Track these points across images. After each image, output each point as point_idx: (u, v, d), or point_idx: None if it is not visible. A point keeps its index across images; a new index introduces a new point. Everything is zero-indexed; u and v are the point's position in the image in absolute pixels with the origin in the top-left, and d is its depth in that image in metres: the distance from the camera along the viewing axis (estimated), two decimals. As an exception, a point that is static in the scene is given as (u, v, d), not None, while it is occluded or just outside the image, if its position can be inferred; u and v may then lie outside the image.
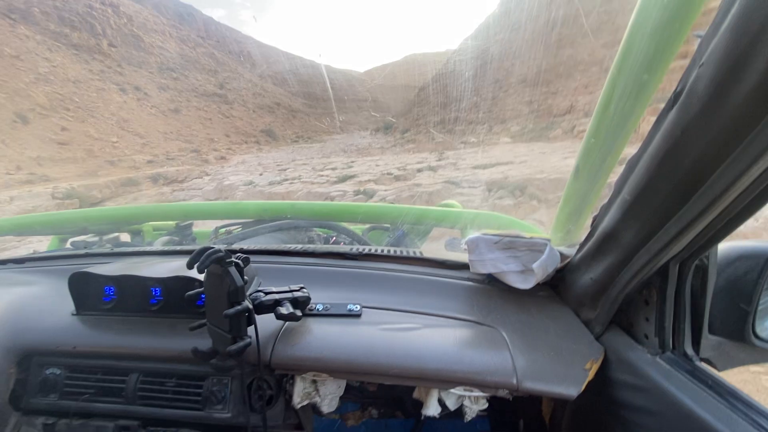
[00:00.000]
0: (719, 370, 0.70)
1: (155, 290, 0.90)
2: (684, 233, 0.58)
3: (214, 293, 0.74)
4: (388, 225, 1.72)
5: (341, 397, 1.15)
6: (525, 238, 0.94)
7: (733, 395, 0.59)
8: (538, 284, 0.98)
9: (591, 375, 0.76)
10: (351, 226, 1.65)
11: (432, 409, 0.86)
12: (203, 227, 1.78)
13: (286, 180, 15.77)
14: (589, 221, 0.81)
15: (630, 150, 0.64)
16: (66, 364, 0.85)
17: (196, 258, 0.70)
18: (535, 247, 0.92)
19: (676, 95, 0.49)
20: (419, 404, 0.95)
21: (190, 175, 17.66)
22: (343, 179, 15.14)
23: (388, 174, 15.50)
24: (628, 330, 0.80)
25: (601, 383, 0.78)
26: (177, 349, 0.82)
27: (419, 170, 16.07)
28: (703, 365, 0.68)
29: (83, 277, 0.89)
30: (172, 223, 1.74)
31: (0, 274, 1.11)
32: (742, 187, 0.48)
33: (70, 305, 0.91)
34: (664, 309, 0.70)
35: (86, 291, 0.90)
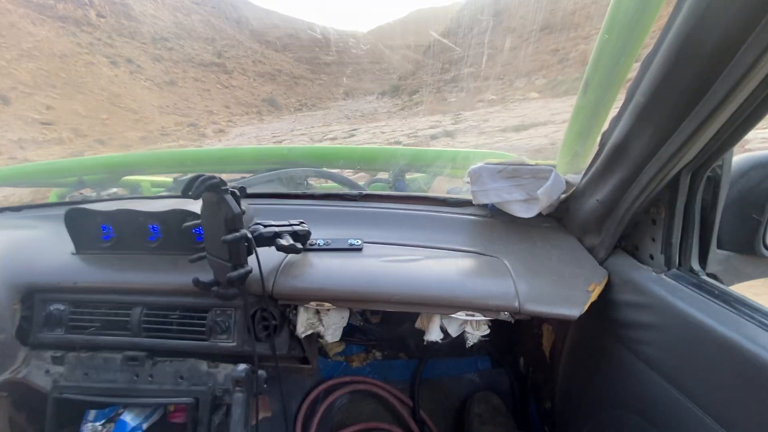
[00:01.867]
0: (727, 286, 0.69)
1: (153, 227, 0.92)
2: (696, 137, 0.57)
3: (212, 222, 0.75)
4: (389, 179, 1.70)
5: (346, 340, 1.38)
6: (529, 165, 0.92)
7: (740, 302, 0.60)
8: (541, 216, 0.99)
9: (594, 296, 0.77)
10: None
11: (434, 335, 0.87)
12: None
13: (280, 154, 14.12)
14: (598, 142, 0.79)
15: (645, 52, 0.60)
16: (69, 299, 0.88)
17: (189, 185, 0.70)
18: (540, 174, 0.91)
19: None
20: (422, 345, 0.99)
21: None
22: (341, 151, 13.17)
23: (395, 143, 13.15)
24: (633, 253, 0.81)
25: (604, 305, 0.80)
26: (179, 282, 0.85)
27: (433, 137, 13.65)
28: (710, 279, 0.69)
29: (79, 213, 0.91)
30: (169, 179, 1.73)
31: (3, 220, 1.14)
32: (758, 78, 0.48)
33: (69, 246, 0.93)
34: (672, 224, 0.70)
35: (84, 229, 0.92)
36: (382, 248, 0.94)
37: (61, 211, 0.96)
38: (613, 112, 0.75)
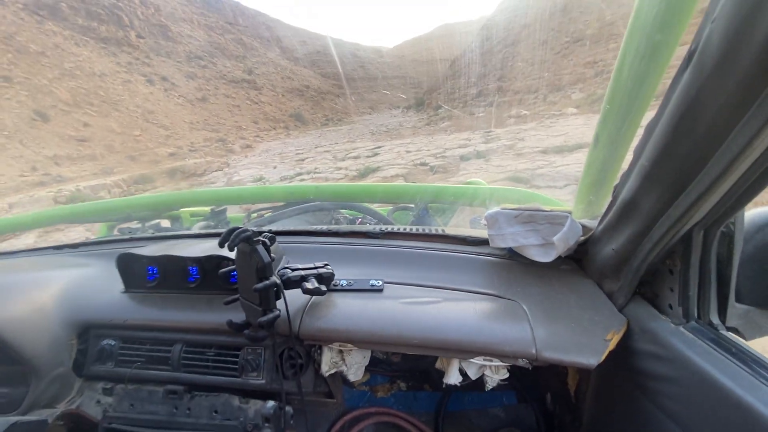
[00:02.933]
0: (747, 340, 0.70)
1: (192, 269, 0.99)
2: (705, 198, 0.58)
3: (245, 270, 0.81)
4: (412, 205, 1.75)
5: (371, 370, 1.41)
6: (545, 211, 0.93)
7: (757, 362, 0.60)
8: (560, 258, 0.98)
9: (612, 345, 0.77)
10: (376, 208, 1.72)
11: (453, 378, 0.90)
12: (238, 212, 1.89)
13: (300, 175, 13.53)
14: (611, 191, 0.80)
15: (651, 114, 0.62)
16: (119, 335, 0.96)
17: (226, 237, 0.78)
18: (556, 220, 0.92)
19: (690, 54, 0.49)
20: (436, 377, 1.04)
21: (210, 167, 16.75)
22: (364, 174, 12.24)
23: (422, 165, 12.17)
24: (653, 301, 0.80)
25: (624, 353, 0.79)
26: (214, 321, 0.91)
27: (464, 157, 12.26)
28: (729, 334, 0.68)
29: (129, 257, 1.00)
30: (207, 209, 1.85)
31: (58, 258, 1.24)
32: (762, 147, 0.48)
33: (119, 284, 1.02)
34: (688, 277, 0.70)
35: (132, 271, 1.01)
36: (402, 289, 0.97)
37: (112, 248, 1.08)
38: (625, 165, 0.74)
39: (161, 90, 32.15)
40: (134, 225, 1.75)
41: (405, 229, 1.24)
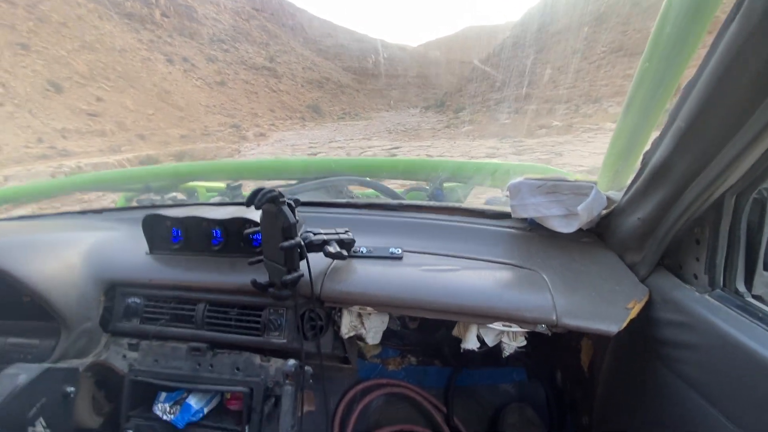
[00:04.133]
0: None
1: (216, 231, 1.01)
2: (740, 160, 0.57)
3: (270, 230, 0.82)
4: (427, 186, 1.72)
5: (383, 343, 1.30)
6: (569, 181, 0.92)
7: None
8: (581, 230, 0.98)
9: (633, 314, 0.77)
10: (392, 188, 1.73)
11: (471, 343, 0.89)
12: (252, 188, 1.62)
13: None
14: (640, 161, 0.78)
15: (691, 73, 0.60)
16: (144, 294, 0.98)
17: (252, 197, 0.78)
18: (580, 191, 0.91)
19: (738, 5, 0.48)
20: (457, 353, 0.99)
21: (220, 153, 16.26)
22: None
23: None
24: (676, 271, 0.80)
25: (645, 323, 0.79)
26: (237, 282, 0.93)
27: None
28: (755, 301, 0.68)
29: (154, 219, 1.01)
30: (222, 185, 1.86)
31: (84, 221, 1.28)
32: None
33: (144, 246, 1.04)
34: (716, 245, 0.70)
35: (157, 232, 1.03)
36: (422, 257, 0.97)
37: (135, 214, 1.16)
38: (655, 132, 0.74)
39: (180, 70, 31.83)
40: (153, 197, 1.78)
41: (422, 202, 1.23)
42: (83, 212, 1.35)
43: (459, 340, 0.94)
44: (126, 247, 1.07)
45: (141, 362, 0.97)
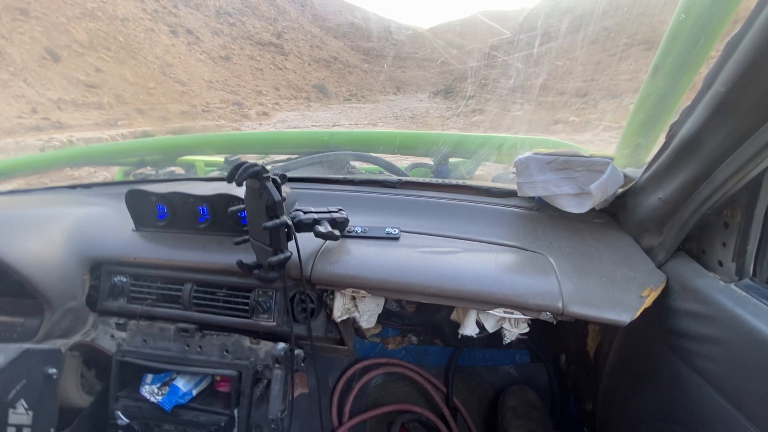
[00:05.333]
0: None
1: (203, 209, 0.96)
2: None
3: (254, 208, 0.77)
4: (431, 163, 1.68)
5: (382, 323, 1.40)
6: (583, 157, 0.84)
7: None
8: (594, 211, 0.92)
9: (648, 303, 0.71)
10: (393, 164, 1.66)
11: (469, 329, 0.85)
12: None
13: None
14: (664, 134, 0.71)
15: (733, 29, 0.52)
16: (130, 273, 0.95)
17: (233, 172, 0.72)
18: (595, 167, 0.83)
19: None
20: (457, 332, 0.94)
21: (220, 132, 15.80)
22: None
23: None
24: (698, 257, 0.74)
25: (660, 312, 0.74)
26: (225, 262, 0.88)
27: None
28: None
29: (138, 194, 0.96)
30: (221, 160, 1.82)
31: (71, 196, 1.24)
32: None
33: (130, 223, 1.00)
34: (749, 230, 0.63)
35: (142, 208, 0.98)
36: (420, 238, 0.92)
37: (124, 189, 1.03)
38: (685, 102, 0.66)
39: (184, 43, 30.91)
40: (149, 171, 1.73)
41: (424, 179, 1.16)
42: (72, 187, 1.31)
43: (448, 318, 0.90)
44: (112, 224, 1.03)
45: (129, 342, 0.95)
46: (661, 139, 0.72)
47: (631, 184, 0.85)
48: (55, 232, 0.95)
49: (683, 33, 0.71)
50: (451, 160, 1.60)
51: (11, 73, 13.96)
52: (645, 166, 0.80)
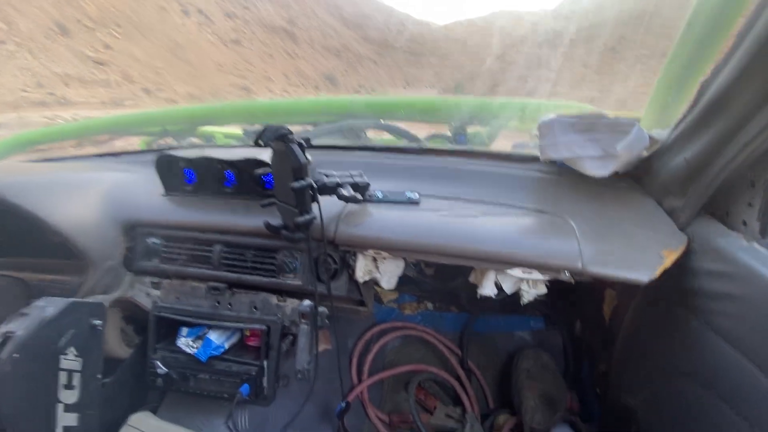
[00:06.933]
0: None
1: (229, 173, 0.99)
2: None
3: (281, 170, 0.79)
4: (449, 132, 1.66)
5: (399, 289, 1.44)
6: (608, 118, 0.83)
7: None
8: (617, 175, 0.90)
9: (668, 263, 0.71)
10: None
11: (488, 290, 0.86)
12: None
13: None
14: (695, 91, 0.70)
15: None
16: (162, 234, 0.99)
17: (260, 134, 0.75)
18: (620, 128, 0.82)
19: None
20: (474, 300, 0.97)
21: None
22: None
23: None
24: (722, 218, 0.73)
25: (679, 272, 0.74)
26: (251, 224, 0.92)
27: None
28: None
29: (167, 158, 1.00)
30: (239, 131, 1.85)
31: (102, 164, 1.29)
32: None
33: (160, 188, 1.04)
34: None
35: (171, 173, 1.02)
36: (440, 202, 0.94)
37: (151, 157, 1.08)
38: (717, 60, 0.64)
39: (195, 24, 30.59)
40: (170, 141, 1.80)
41: (444, 146, 1.18)
42: (101, 155, 1.37)
43: (476, 287, 0.90)
44: (143, 189, 1.08)
45: (164, 299, 1.01)
46: (690, 99, 0.71)
47: (657, 146, 0.84)
48: (92, 196, 1.00)
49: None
50: (469, 129, 1.59)
51: (17, 44, 13.74)
52: (672, 127, 0.78)
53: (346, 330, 1.41)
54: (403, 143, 1.28)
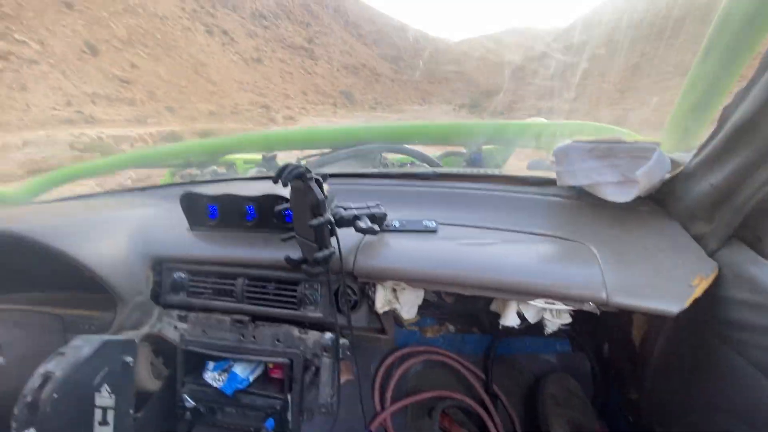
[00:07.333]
0: None
1: (250, 208, 1.02)
2: None
3: (299, 207, 0.81)
4: (464, 150, 1.63)
5: (421, 312, 1.22)
6: (627, 143, 0.80)
7: None
8: (639, 198, 0.87)
9: (698, 292, 0.68)
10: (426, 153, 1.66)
11: (510, 320, 0.85)
12: (287, 159, 1.94)
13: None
14: (716, 117, 0.68)
15: None
16: (188, 269, 1.03)
17: (279, 173, 0.76)
18: (640, 154, 0.79)
19: None
20: (496, 321, 0.94)
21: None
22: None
23: None
24: (754, 244, 0.69)
25: (711, 301, 0.71)
26: (272, 258, 0.94)
27: None
28: None
29: (191, 196, 1.04)
30: (258, 157, 1.92)
31: (129, 199, 1.34)
32: None
33: (184, 223, 1.08)
34: None
35: (195, 209, 1.06)
36: (457, 230, 0.93)
37: (176, 190, 1.15)
38: (738, 85, 0.63)
39: (219, 43, 31.49)
40: (193, 171, 1.86)
41: (459, 170, 1.17)
42: (129, 190, 1.44)
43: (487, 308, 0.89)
44: (168, 224, 1.11)
45: (191, 333, 1.03)
46: (713, 124, 0.70)
47: (680, 169, 0.82)
48: (121, 233, 1.04)
49: (737, 14, 0.66)
50: (484, 146, 1.57)
51: (51, 65, 14.30)
52: (695, 151, 0.77)
53: (368, 354, 1.39)
54: (419, 168, 1.26)
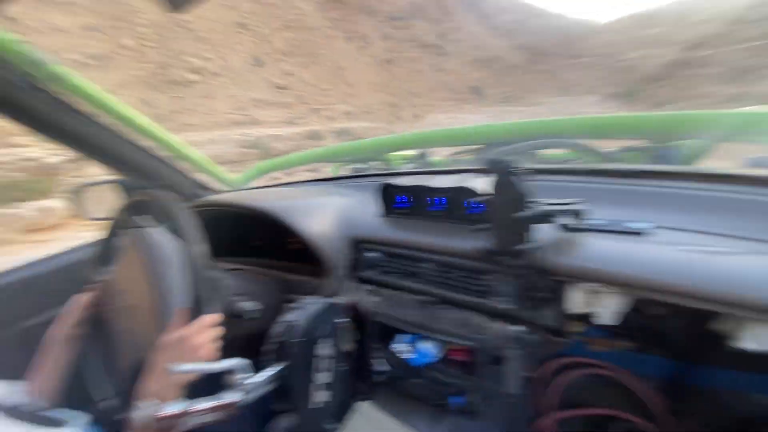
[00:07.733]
0: None
1: (440, 200, 1.12)
2: None
3: (500, 198, 0.84)
4: (646, 144, 1.50)
5: (589, 322, 1.19)
6: None
7: None
8: None
9: None
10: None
11: (748, 342, 0.72)
12: (437, 155, 2.12)
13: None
14: None
15: None
16: (382, 250, 1.17)
17: (488, 164, 0.82)
18: None
19: None
20: (690, 344, 0.91)
21: (375, 134, 16.75)
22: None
23: None
24: None
25: None
26: (461, 246, 1.00)
27: None
28: None
29: (390, 187, 1.20)
30: (412, 153, 2.12)
31: (328, 188, 1.58)
32: None
33: (377, 210, 1.23)
34: None
35: (390, 198, 1.21)
36: (676, 235, 0.84)
37: (359, 182, 1.45)
38: None
39: (356, 48, 33.82)
40: (358, 166, 2.17)
41: (669, 168, 1.09)
42: (325, 180, 1.72)
43: (696, 328, 0.82)
44: (363, 210, 1.28)
45: (380, 307, 1.16)
46: None
47: None
48: (328, 216, 1.26)
49: None
50: (677, 142, 1.44)
51: (229, 78, 17.43)
52: None
53: (541, 359, 1.35)
54: (625, 166, 1.21)
